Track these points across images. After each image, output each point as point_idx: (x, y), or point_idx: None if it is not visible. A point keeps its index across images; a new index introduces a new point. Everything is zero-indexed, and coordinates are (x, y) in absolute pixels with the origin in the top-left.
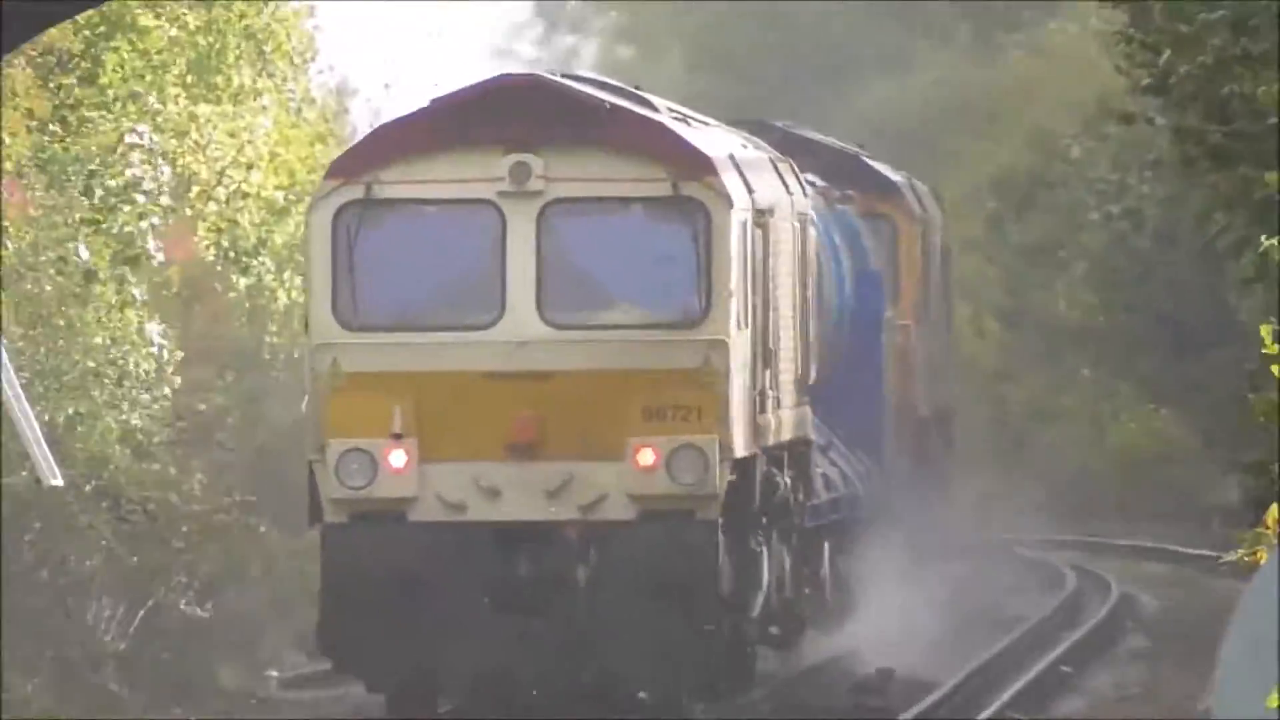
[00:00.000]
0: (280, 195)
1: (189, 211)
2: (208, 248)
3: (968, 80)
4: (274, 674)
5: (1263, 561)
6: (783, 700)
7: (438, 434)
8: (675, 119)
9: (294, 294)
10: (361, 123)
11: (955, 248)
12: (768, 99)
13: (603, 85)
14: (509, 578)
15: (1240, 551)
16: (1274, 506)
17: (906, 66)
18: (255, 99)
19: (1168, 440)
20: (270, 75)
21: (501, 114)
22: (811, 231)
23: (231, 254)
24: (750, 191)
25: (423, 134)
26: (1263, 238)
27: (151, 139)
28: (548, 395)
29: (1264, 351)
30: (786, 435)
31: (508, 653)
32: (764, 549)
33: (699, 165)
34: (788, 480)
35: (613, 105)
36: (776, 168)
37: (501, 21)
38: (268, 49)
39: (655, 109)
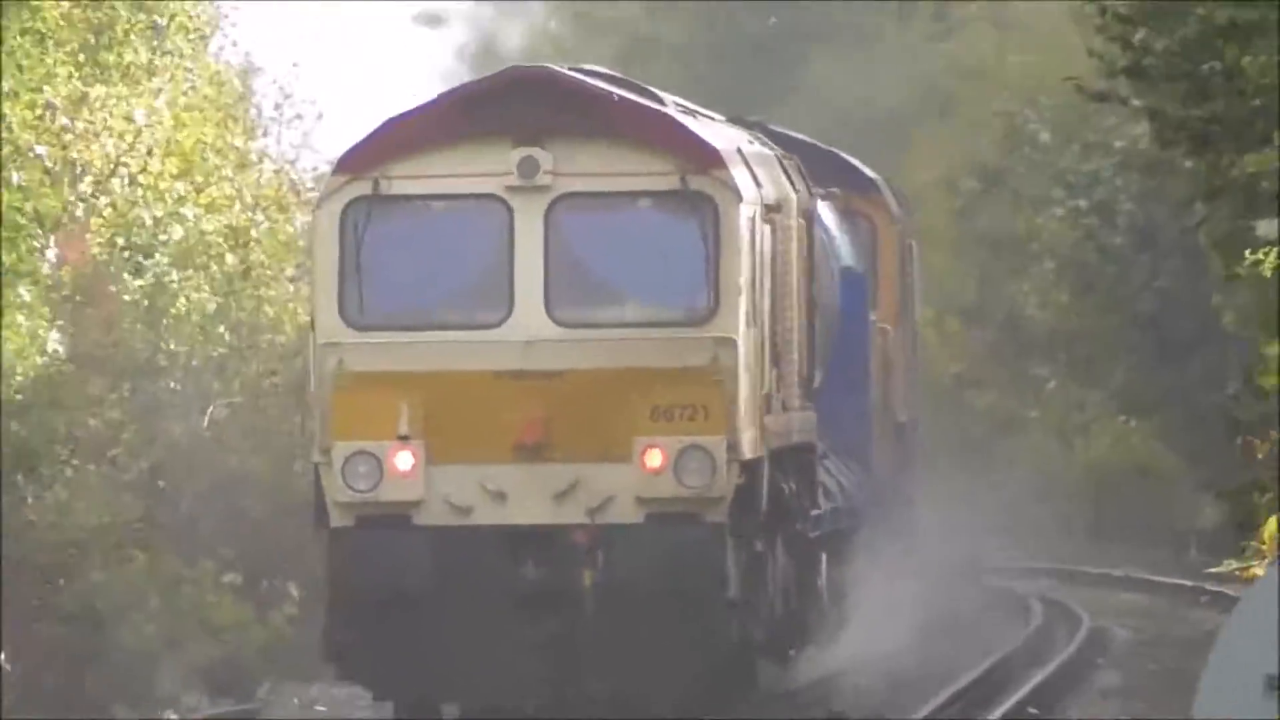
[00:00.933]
0: (179, 185)
1: (81, 205)
2: (101, 245)
3: (927, 59)
4: (172, 717)
5: (1259, 576)
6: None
7: (445, 435)
8: (682, 113)
9: (194, 295)
10: (267, 104)
11: (916, 243)
12: (712, 87)
13: (611, 79)
14: (516, 582)
15: (1231, 563)
16: (1272, 521)
17: (861, 48)
18: (151, 79)
19: (1141, 456)
20: (167, 52)
21: (510, 107)
22: (816, 230)
23: (127, 252)
24: (758, 186)
25: (431, 127)
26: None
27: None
28: (556, 394)
29: (1260, 378)
30: (792, 439)
31: (515, 657)
32: (769, 554)
33: (707, 158)
34: (793, 486)
35: (621, 98)
36: (782, 164)
37: None
38: (162, 22)
39: (663, 103)
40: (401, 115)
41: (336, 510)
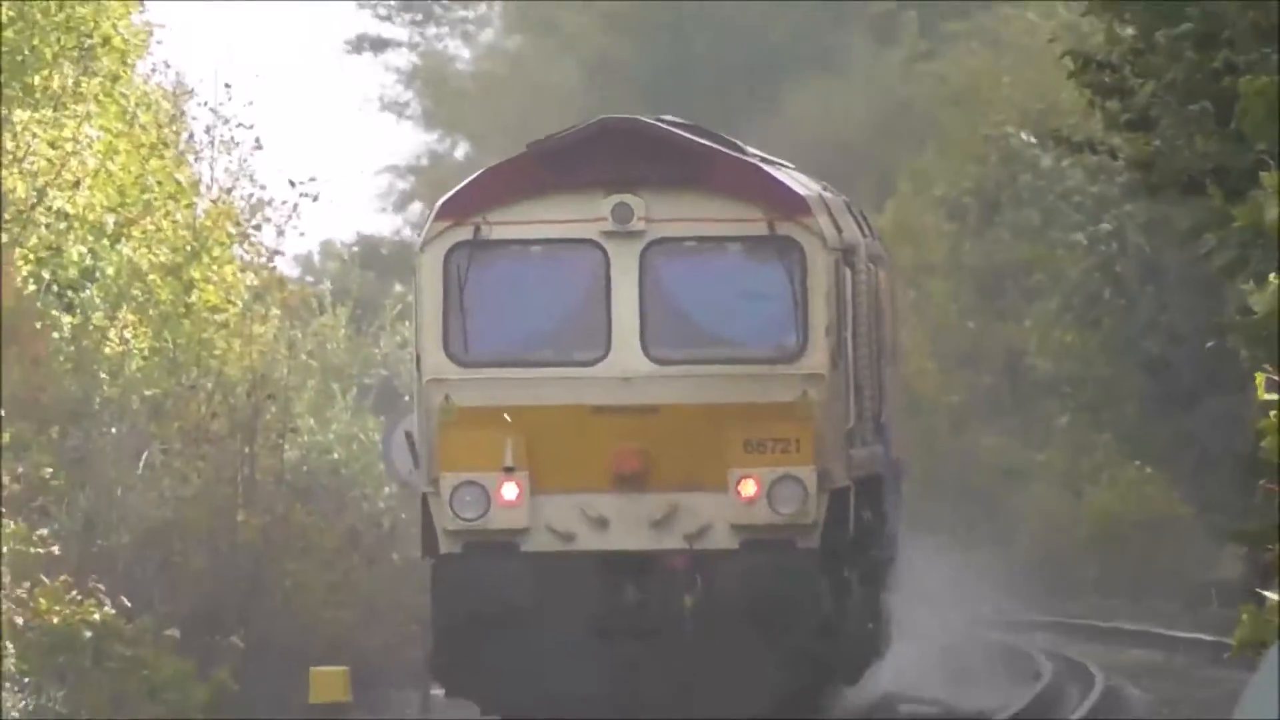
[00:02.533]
0: (111, 219)
1: (3, 238)
2: (26, 280)
3: (914, 79)
4: None
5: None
6: None
7: (547, 466)
8: (764, 162)
9: (128, 334)
10: (198, 128)
11: (900, 276)
12: (677, 109)
13: (693, 129)
14: (617, 606)
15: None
16: None
17: (843, 68)
18: (79, 103)
19: (1154, 505)
20: (95, 74)
21: (602, 156)
22: (881, 274)
23: (54, 287)
24: (839, 232)
25: (527, 176)
26: (1271, 277)
27: None
28: (652, 428)
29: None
30: (868, 470)
31: (616, 679)
32: (854, 579)
33: (794, 205)
34: (869, 514)
35: (708, 147)
36: (851, 210)
37: (364, 10)
38: (91, 43)
39: (744, 152)
40: (499, 165)
41: (445, 538)
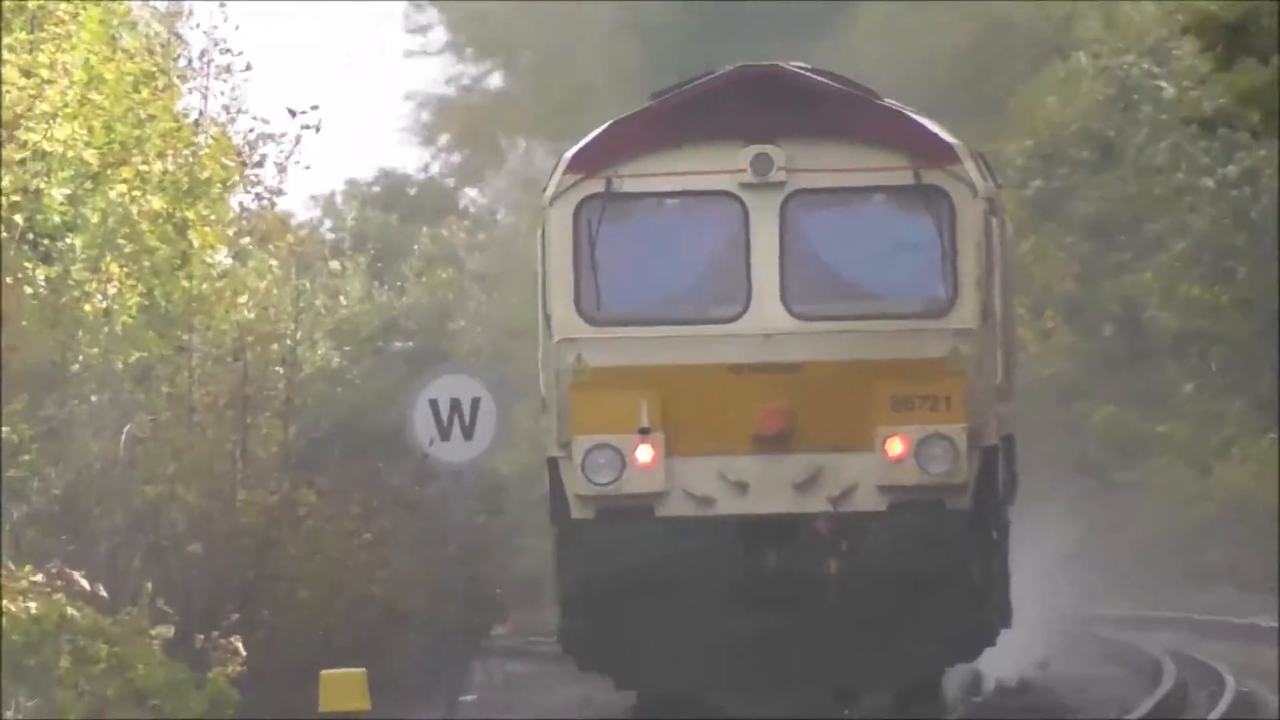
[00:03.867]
0: (94, 157)
1: None
2: None
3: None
4: None
5: None
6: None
7: (684, 428)
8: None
9: (113, 290)
10: (194, 51)
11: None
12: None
13: (832, 76)
14: (757, 572)
15: None
16: None
17: None
18: (57, 25)
19: None
20: None
21: (740, 106)
22: (1008, 225)
23: (30, 235)
24: (985, 180)
25: (660, 128)
26: None
27: None
28: (795, 387)
29: None
30: (1009, 428)
31: (757, 648)
32: (1002, 540)
33: (941, 153)
34: (1007, 474)
35: (850, 95)
36: (982, 159)
37: None
38: None
39: (879, 98)
40: (629, 116)
41: (577, 503)
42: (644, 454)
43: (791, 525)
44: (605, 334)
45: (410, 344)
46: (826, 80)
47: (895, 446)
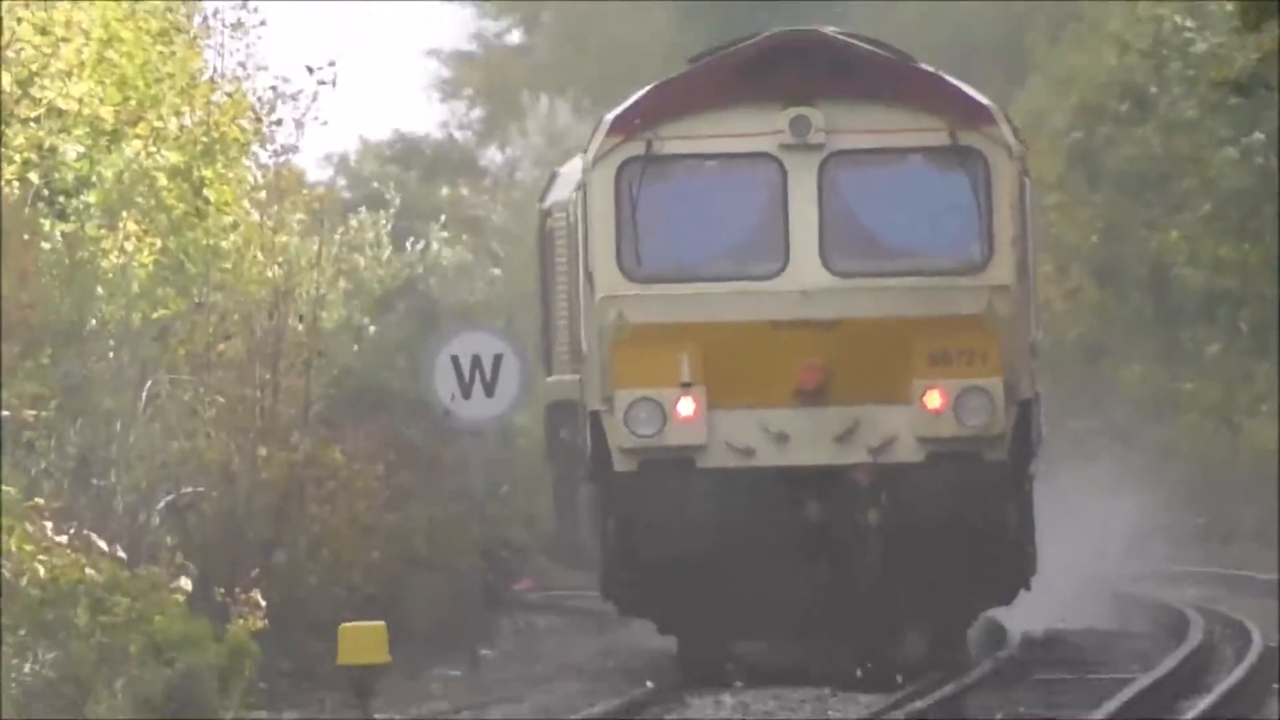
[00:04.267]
0: (111, 114)
1: None
2: (12, 184)
3: None
4: None
5: None
6: None
7: (725, 382)
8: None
9: (129, 247)
10: (210, 9)
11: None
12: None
13: (870, 40)
14: (799, 522)
15: None
16: None
17: None
18: None
19: None
20: None
21: (779, 69)
22: (1029, 186)
23: (46, 193)
24: (1019, 141)
25: (701, 90)
26: None
27: None
28: (833, 343)
29: None
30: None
31: (798, 597)
32: (1033, 492)
33: (977, 114)
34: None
35: (887, 58)
36: (1010, 120)
37: None
38: None
39: (915, 62)
40: (669, 80)
41: (620, 456)
42: (685, 407)
43: (832, 475)
44: (646, 290)
45: (434, 301)
46: (863, 44)
47: (934, 399)
